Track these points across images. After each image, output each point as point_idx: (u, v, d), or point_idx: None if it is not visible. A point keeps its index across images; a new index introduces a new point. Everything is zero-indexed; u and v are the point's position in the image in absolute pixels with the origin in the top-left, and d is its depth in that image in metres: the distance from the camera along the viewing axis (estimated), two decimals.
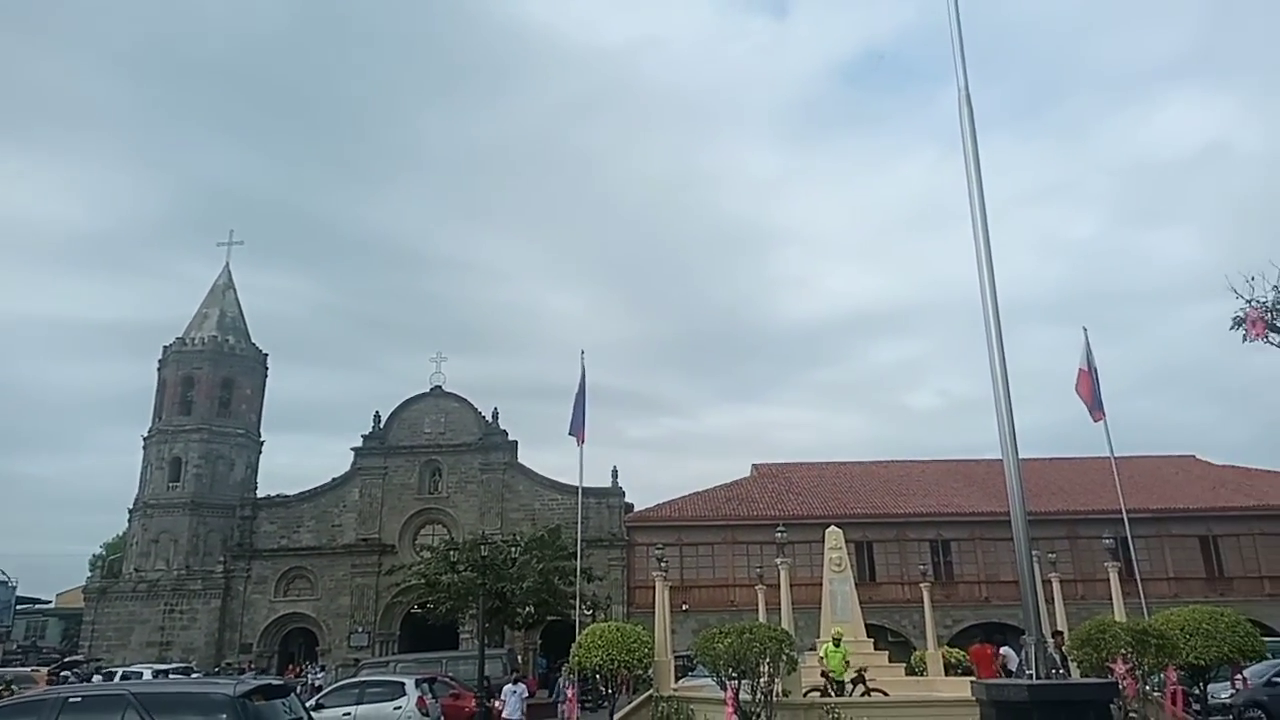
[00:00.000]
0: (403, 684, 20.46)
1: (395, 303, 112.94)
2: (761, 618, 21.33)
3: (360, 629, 40.28)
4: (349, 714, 19.43)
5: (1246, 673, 18.11)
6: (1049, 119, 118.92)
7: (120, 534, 56.06)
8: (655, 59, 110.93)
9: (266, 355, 48.77)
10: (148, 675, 27.92)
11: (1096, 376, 25.46)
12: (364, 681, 21.86)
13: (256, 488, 44.38)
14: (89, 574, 49.55)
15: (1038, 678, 7.23)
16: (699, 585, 38.82)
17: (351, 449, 43.73)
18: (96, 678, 28.63)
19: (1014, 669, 22.60)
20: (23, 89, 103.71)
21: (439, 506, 42.72)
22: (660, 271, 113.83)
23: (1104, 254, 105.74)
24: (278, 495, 43.99)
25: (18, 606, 56.38)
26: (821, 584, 22.70)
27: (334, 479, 43.66)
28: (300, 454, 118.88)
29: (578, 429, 25.53)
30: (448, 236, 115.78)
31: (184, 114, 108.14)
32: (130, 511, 44.46)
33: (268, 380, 48.69)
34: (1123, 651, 13.74)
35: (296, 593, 41.93)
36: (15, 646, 50.78)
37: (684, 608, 36.40)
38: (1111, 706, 8.63)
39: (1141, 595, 25.61)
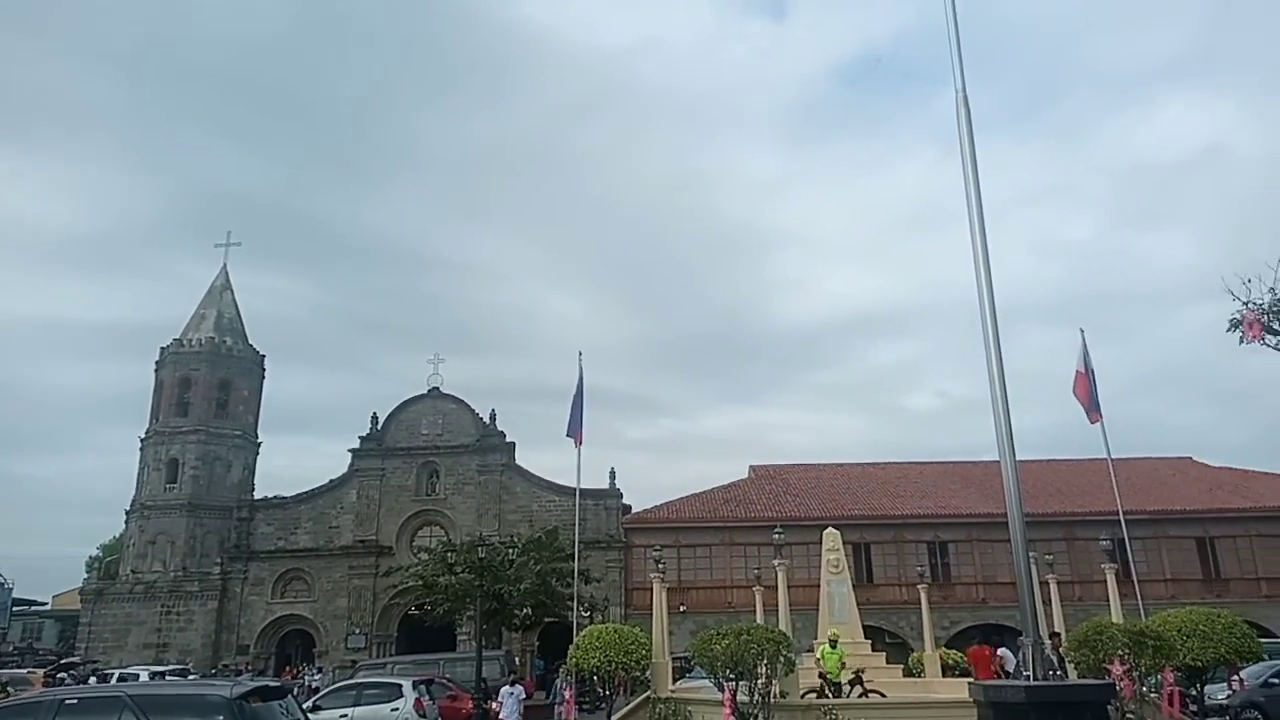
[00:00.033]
0: (400, 686, 20.43)
1: (393, 304, 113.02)
2: (759, 619, 21.36)
3: (357, 630, 40.23)
4: (346, 715, 19.39)
5: (1243, 674, 18.16)
6: (1047, 120, 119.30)
7: (117, 535, 56.04)
8: (654, 60, 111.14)
9: (264, 356, 48.75)
10: (144, 677, 27.86)
11: (1094, 378, 25.50)
12: (361, 683, 21.82)
13: (254, 489, 44.35)
14: (85, 575, 49.44)
15: (1035, 679, 7.24)
16: (697, 587, 38.81)
17: (349, 450, 43.74)
18: (92, 679, 28.57)
19: (1011, 670, 22.62)
20: (21, 90, 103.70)
21: (436, 508, 42.69)
22: (659, 273, 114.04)
23: (1102, 255, 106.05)
24: (275, 497, 43.95)
25: (14, 608, 56.33)
26: (819, 585, 22.72)
27: (331, 480, 43.63)
28: (297, 455, 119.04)
29: (576, 430, 25.53)
30: (446, 237, 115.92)
31: (182, 115, 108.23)
32: (127, 513, 44.40)
33: (265, 381, 48.68)
34: (1120, 653, 13.75)
35: (294, 594, 41.88)
36: (11, 648, 50.67)
37: (681, 609, 36.40)
38: (1109, 708, 8.65)
39: (1138, 597, 25.65)
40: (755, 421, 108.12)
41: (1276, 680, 19.42)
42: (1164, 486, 41.23)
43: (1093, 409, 25.25)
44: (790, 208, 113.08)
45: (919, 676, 22.29)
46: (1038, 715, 6.62)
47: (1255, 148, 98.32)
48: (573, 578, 27.77)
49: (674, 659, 20.65)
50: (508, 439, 43.23)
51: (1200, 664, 15.60)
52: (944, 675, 22.03)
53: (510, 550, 31.92)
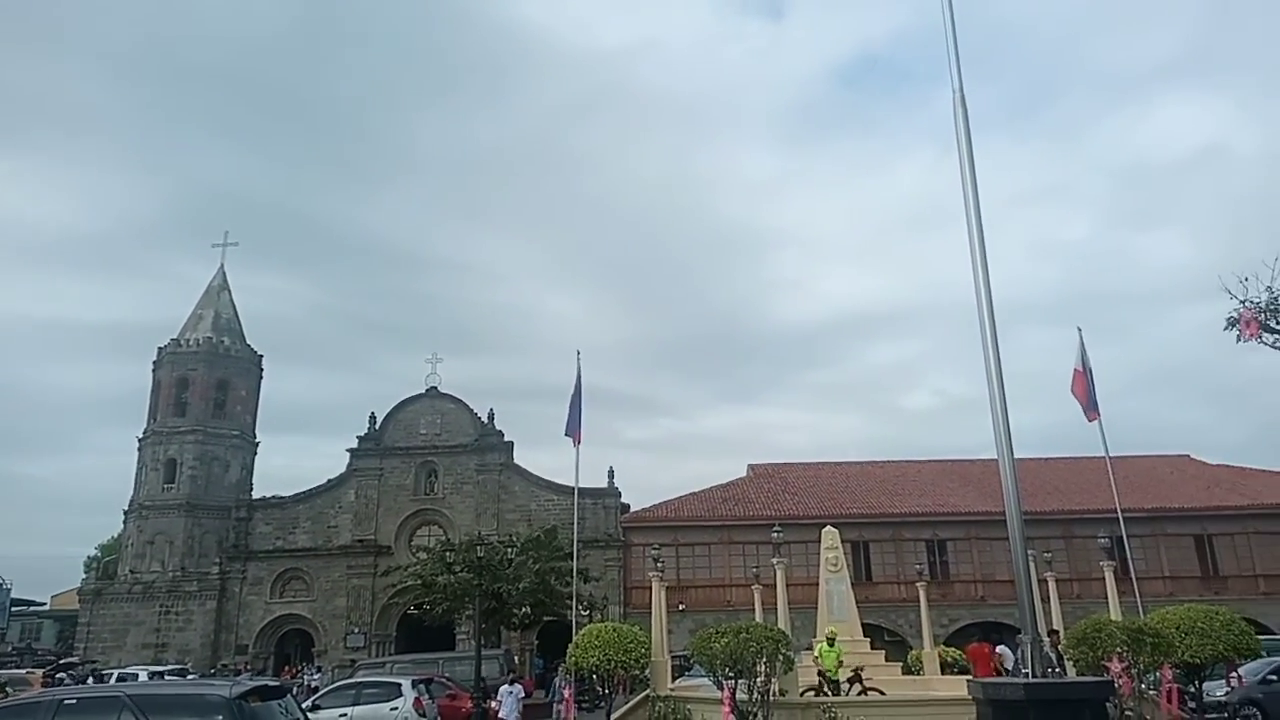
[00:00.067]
0: (399, 685, 20.43)
1: (391, 304, 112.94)
2: (758, 617, 21.35)
3: (356, 630, 40.23)
4: (345, 715, 19.39)
5: (1241, 671, 18.21)
6: (1044, 120, 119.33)
7: (115, 535, 55.95)
8: (652, 61, 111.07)
9: (262, 356, 48.73)
10: (143, 677, 27.84)
11: (1091, 377, 25.55)
12: (360, 683, 21.82)
13: (252, 489, 44.33)
14: (84, 575, 49.33)
15: (1034, 676, 7.26)
16: (695, 585, 38.83)
17: (347, 450, 43.73)
18: (89, 680, 28.54)
19: (1010, 668, 22.65)
20: (19, 91, 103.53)
21: (435, 507, 42.69)
22: (658, 273, 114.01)
23: (1099, 255, 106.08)
24: (273, 497, 43.93)
25: (13, 608, 56.24)
26: (818, 584, 22.72)
27: (329, 480, 43.61)
28: (296, 455, 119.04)
29: (574, 430, 25.53)
30: (444, 238, 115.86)
31: (181, 115, 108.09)
32: (125, 513, 44.37)
33: (263, 381, 48.70)
34: (1118, 650, 13.77)
35: (292, 594, 41.87)
36: (10, 648, 50.59)
37: (680, 608, 36.42)
38: (1107, 705, 8.67)
39: (1137, 594, 25.70)
40: (754, 421, 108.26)
41: (1274, 677, 19.47)
42: (1162, 484, 41.29)
43: (1091, 407, 25.30)
44: (788, 208, 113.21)
45: (918, 674, 22.31)
46: (1037, 713, 6.65)
47: (1253, 147, 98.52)
48: (571, 577, 27.77)
49: (673, 657, 20.66)
50: (506, 438, 43.24)
51: (1198, 661, 15.64)
52: (943, 673, 22.05)
53: (509, 549, 31.93)
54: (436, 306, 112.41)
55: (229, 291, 49.22)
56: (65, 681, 27.81)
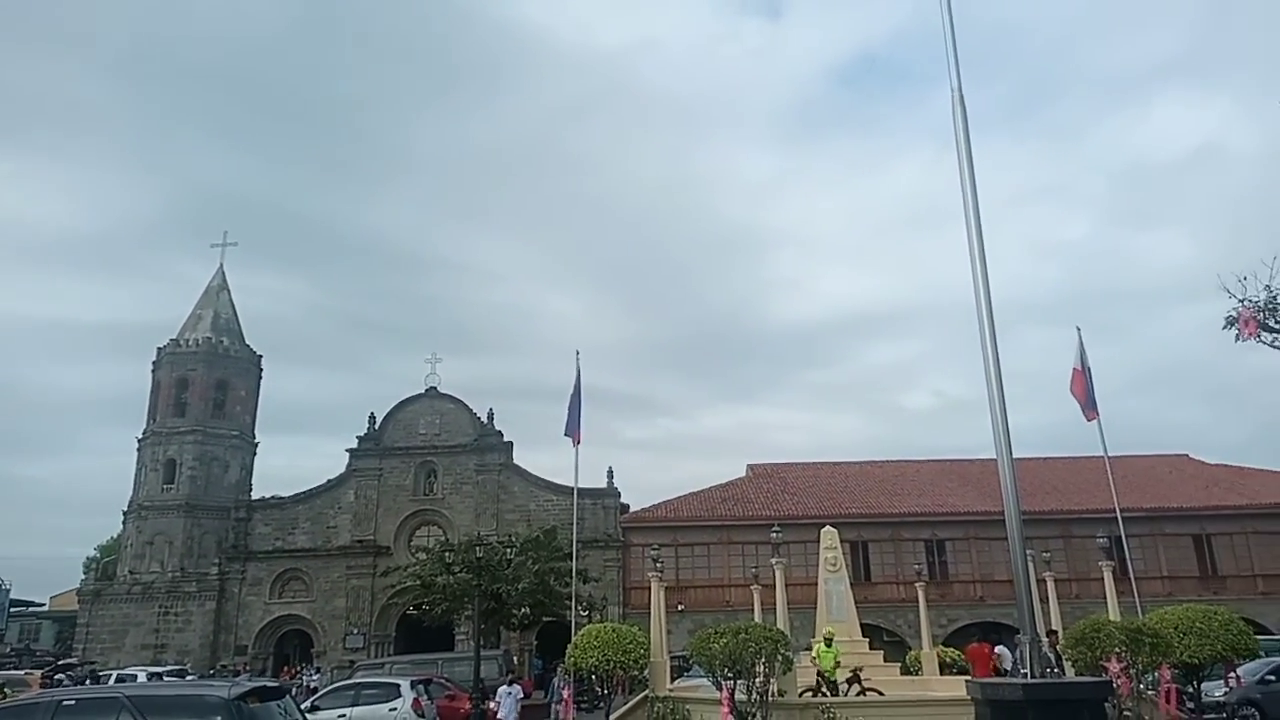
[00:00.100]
0: (398, 685, 20.44)
1: (390, 304, 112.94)
2: (757, 618, 21.33)
3: (356, 631, 40.21)
4: (344, 716, 19.40)
5: (1240, 671, 18.21)
6: (1043, 120, 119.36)
7: (115, 536, 55.93)
8: (651, 61, 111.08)
9: (261, 357, 48.72)
10: (142, 678, 27.81)
11: (1090, 376, 25.56)
12: (359, 683, 21.83)
13: (251, 489, 44.31)
14: (83, 576, 49.28)
15: (1032, 677, 7.26)
16: (694, 585, 38.82)
17: (346, 450, 43.71)
18: (88, 680, 28.51)
19: (1008, 668, 22.66)
20: (19, 91, 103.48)
21: (434, 508, 42.67)
22: (656, 273, 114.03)
23: (1098, 255, 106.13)
24: (272, 497, 43.92)
25: (11, 609, 56.12)
26: (817, 584, 22.74)
27: (329, 480, 43.59)
28: (295, 456, 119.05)
29: (573, 430, 25.54)
30: (443, 238, 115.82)
31: (179, 116, 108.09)
32: (125, 513, 44.35)
33: (262, 382, 48.69)
34: (1117, 650, 13.78)
35: (291, 595, 41.85)
36: (9, 649, 50.50)
37: (679, 608, 36.41)
38: (1106, 705, 8.67)
39: (1135, 594, 25.70)
40: (752, 421, 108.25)
41: (1273, 677, 19.50)
42: (1160, 484, 41.31)
43: (1089, 407, 25.32)
44: (787, 208, 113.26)
45: (916, 675, 22.32)
46: (1035, 713, 6.65)
47: (1251, 146, 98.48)
48: (571, 577, 27.78)
49: (672, 658, 20.66)
50: (505, 438, 43.23)
51: (1197, 661, 15.65)
52: (941, 673, 22.06)
53: (508, 550, 31.92)
54: (436, 306, 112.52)
55: (228, 291, 49.22)
56: (64, 682, 27.78)
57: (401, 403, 44.23)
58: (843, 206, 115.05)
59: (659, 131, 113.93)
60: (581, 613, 29.18)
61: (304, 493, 43.54)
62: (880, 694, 17.27)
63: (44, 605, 62.90)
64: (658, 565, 18.33)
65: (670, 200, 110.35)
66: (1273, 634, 31.64)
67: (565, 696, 18.50)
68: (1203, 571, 38.56)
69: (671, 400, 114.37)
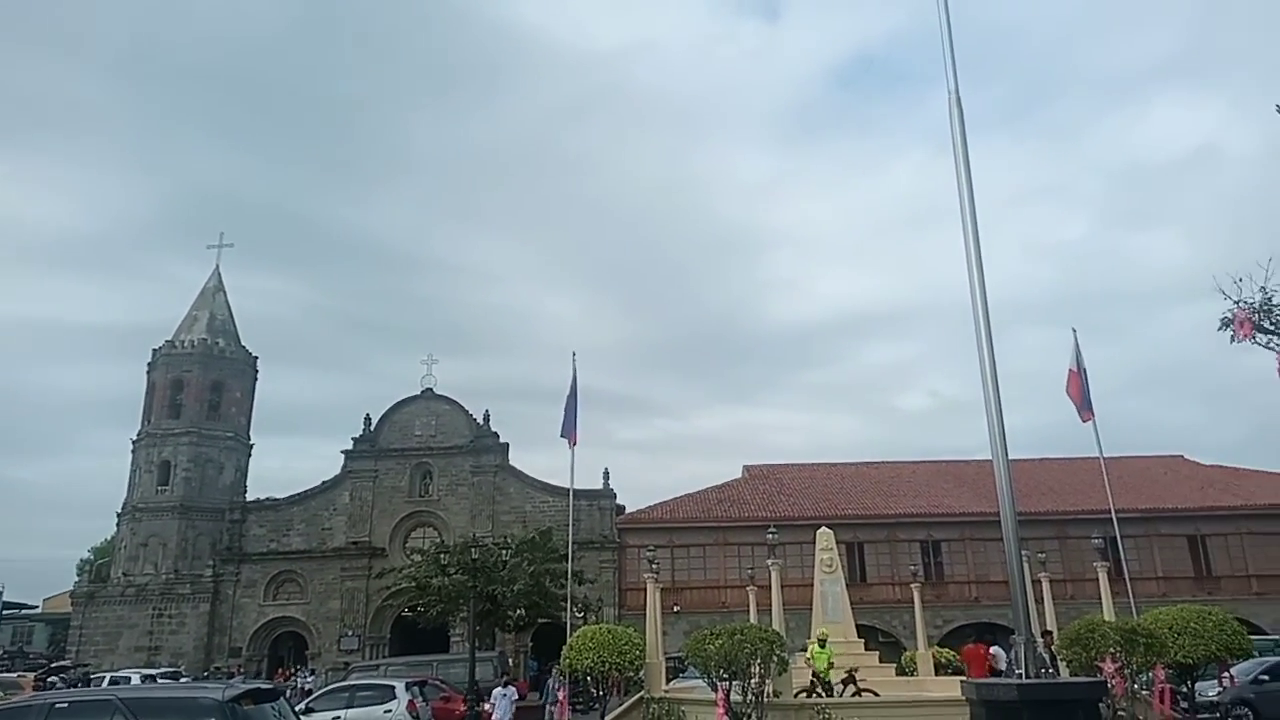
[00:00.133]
0: (393, 687, 20.43)
1: (386, 305, 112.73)
2: (753, 619, 21.39)
3: (350, 632, 40.12)
4: (339, 717, 19.38)
5: (1234, 671, 18.23)
6: (1040, 121, 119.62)
7: (108, 538, 55.72)
8: (648, 62, 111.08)
9: (256, 358, 48.60)
10: (136, 680, 27.71)
11: (1086, 377, 25.56)
12: (354, 685, 21.79)
13: (246, 491, 44.20)
14: (77, 578, 49.05)
15: (1027, 677, 7.26)
16: (690, 587, 38.82)
17: (342, 452, 43.60)
18: (81, 683, 28.42)
19: (1003, 669, 22.68)
20: (19, 91, 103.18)
21: (430, 509, 42.61)
22: (653, 274, 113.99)
23: (1094, 255, 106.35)
24: (267, 499, 43.82)
25: (4, 611, 55.81)
26: (813, 585, 22.75)
27: (324, 482, 43.50)
28: (290, 457, 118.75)
29: (569, 431, 25.44)
30: (440, 239, 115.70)
31: (176, 116, 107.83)
32: (119, 515, 44.18)
33: (257, 383, 48.55)
34: (1111, 651, 13.79)
35: (286, 596, 41.75)
36: (2, 652, 50.30)
37: (675, 609, 36.40)
38: (1100, 705, 8.68)
39: (1130, 595, 25.69)
40: (748, 422, 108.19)
41: (1266, 677, 19.53)
42: (1156, 485, 41.42)
43: (1085, 408, 25.30)
44: (784, 208, 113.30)
45: (912, 675, 22.33)
46: (1030, 713, 6.66)
47: (1249, 147, 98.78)
48: (566, 578, 27.73)
49: (668, 659, 20.65)
50: (501, 440, 43.18)
51: (1191, 661, 15.70)
52: (937, 674, 22.07)
53: (504, 551, 31.84)
54: (432, 307, 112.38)
55: (224, 293, 49.13)
56: (57, 685, 27.72)
57: (397, 404, 44.17)
58: (840, 207, 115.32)
59: (656, 132, 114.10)
60: (577, 614, 29.14)
61: (299, 494, 43.44)
62: (875, 694, 17.28)
63: (37, 608, 62.65)
64: (653, 566, 18.31)
65: (667, 201, 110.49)
66: (1267, 634, 31.68)
67: (560, 698, 18.48)
68: (1197, 572, 38.66)
69: (668, 401, 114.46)
